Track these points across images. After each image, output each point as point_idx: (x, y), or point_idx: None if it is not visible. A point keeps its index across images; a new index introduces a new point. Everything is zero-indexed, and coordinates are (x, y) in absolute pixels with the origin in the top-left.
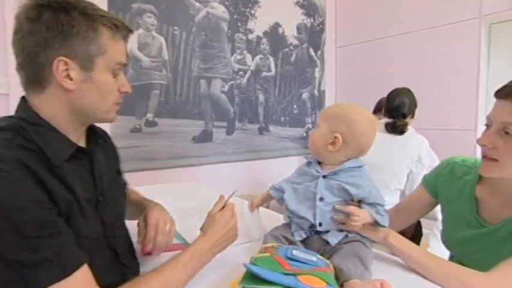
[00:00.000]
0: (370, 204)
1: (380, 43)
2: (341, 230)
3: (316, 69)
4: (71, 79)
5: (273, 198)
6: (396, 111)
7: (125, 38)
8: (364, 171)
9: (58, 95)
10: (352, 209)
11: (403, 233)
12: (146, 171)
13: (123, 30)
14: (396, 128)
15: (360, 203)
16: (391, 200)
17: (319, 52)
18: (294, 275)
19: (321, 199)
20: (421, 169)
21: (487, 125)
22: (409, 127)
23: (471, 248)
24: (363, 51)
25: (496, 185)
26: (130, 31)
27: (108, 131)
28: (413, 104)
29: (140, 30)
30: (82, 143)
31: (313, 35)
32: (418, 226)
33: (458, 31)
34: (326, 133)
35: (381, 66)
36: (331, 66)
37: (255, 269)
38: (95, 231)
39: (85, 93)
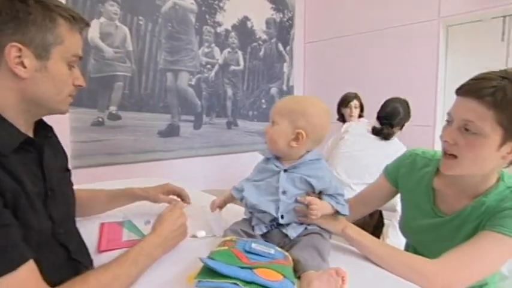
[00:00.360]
0: (330, 195)
1: (347, 40)
2: (301, 223)
3: (285, 65)
4: (24, 67)
5: (236, 199)
6: (385, 119)
7: (81, 31)
8: (323, 163)
9: (8, 81)
10: (310, 199)
11: (367, 223)
12: (109, 166)
13: (80, 22)
14: (381, 134)
15: (320, 194)
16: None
17: (288, 47)
18: (251, 268)
19: (284, 192)
20: None
21: (448, 121)
22: (395, 136)
23: (426, 236)
24: (331, 48)
25: (452, 177)
26: (87, 24)
27: (67, 124)
28: (406, 118)
29: (102, 19)
30: (30, 135)
31: (282, 30)
32: (380, 217)
33: (419, 31)
34: (287, 130)
35: (348, 63)
36: (300, 61)
37: (211, 263)
38: (43, 226)
39: (39, 82)
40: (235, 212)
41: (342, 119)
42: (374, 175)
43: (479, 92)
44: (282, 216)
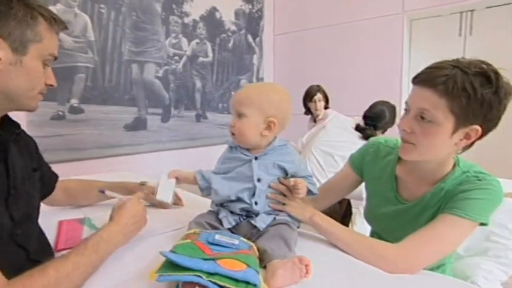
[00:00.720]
0: (302, 177)
1: (316, 32)
2: (270, 214)
3: (255, 56)
4: None
5: (196, 183)
6: (371, 119)
7: (58, 33)
8: (290, 148)
9: None
10: (294, 179)
11: (336, 212)
12: (71, 162)
13: (60, 24)
14: (363, 132)
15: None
16: None
17: (257, 39)
18: (214, 259)
19: (259, 180)
20: None
21: (406, 110)
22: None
23: (390, 223)
24: (300, 40)
25: (412, 164)
26: (66, 27)
27: (24, 118)
28: (390, 123)
29: (59, 6)
30: None
31: (252, 22)
32: (348, 206)
33: (384, 25)
34: (258, 120)
35: (317, 55)
36: (270, 53)
37: (172, 257)
38: (3, 224)
39: (12, 75)
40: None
41: (309, 111)
42: None
43: (432, 81)
44: (256, 203)
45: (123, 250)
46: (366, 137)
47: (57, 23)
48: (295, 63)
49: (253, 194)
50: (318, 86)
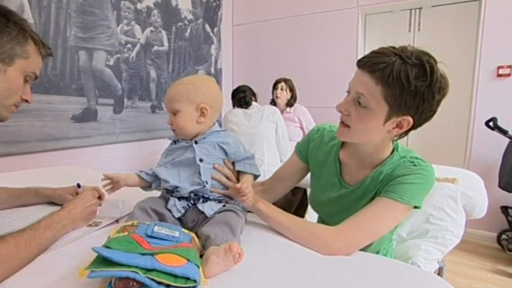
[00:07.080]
0: (241, 161)
1: (275, 23)
2: (220, 201)
3: (213, 47)
4: None
5: (138, 185)
6: (239, 93)
7: (44, 57)
8: (228, 132)
9: None
10: (241, 184)
11: (289, 201)
12: (10, 156)
13: (47, 49)
14: (240, 101)
15: (234, 164)
16: None
17: (215, 29)
18: (152, 254)
19: (201, 160)
20: None
21: (348, 92)
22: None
23: (333, 207)
24: (259, 31)
25: (353, 148)
26: (51, 54)
27: None
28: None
29: None
30: None
31: (209, 11)
32: (303, 197)
33: (340, 18)
34: (191, 111)
35: (276, 46)
36: (228, 44)
37: (105, 253)
38: None
39: None
40: None
41: (274, 103)
42: None
43: (372, 66)
44: (207, 182)
45: (55, 248)
46: (245, 102)
47: (44, 48)
48: (253, 55)
49: (200, 174)
50: (286, 79)
